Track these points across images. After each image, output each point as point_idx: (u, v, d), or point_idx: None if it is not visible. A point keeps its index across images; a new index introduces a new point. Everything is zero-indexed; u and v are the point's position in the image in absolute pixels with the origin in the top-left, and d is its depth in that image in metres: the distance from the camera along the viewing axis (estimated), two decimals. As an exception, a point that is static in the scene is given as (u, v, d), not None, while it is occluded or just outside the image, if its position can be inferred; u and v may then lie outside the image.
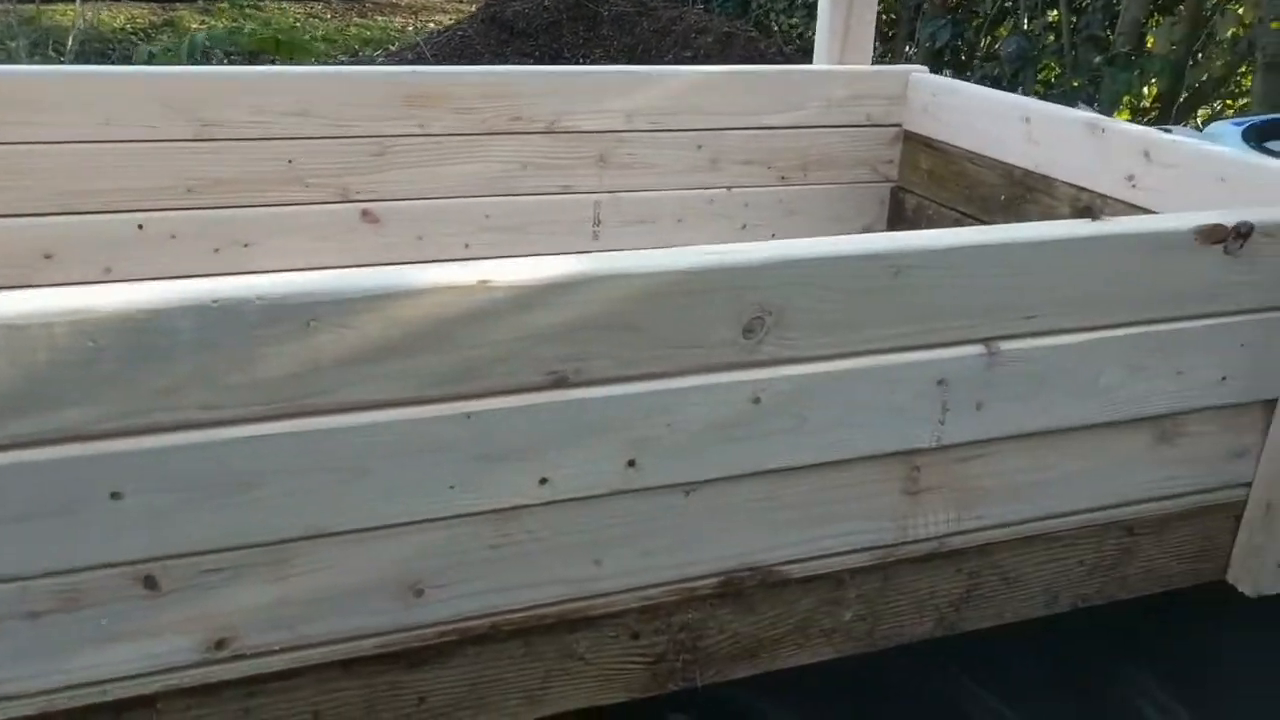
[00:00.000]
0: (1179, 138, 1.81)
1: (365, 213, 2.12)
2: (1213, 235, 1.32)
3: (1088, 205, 1.96)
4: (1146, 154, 1.83)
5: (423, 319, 1.02)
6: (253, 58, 6.95)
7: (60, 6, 7.58)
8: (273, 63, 6.84)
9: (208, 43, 5.88)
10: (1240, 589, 1.53)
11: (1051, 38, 5.97)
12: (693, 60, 6.52)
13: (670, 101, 2.25)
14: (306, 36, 9.61)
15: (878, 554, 1.32)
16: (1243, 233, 1.34)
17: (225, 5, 9.67)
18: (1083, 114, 1.97)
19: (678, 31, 6.81)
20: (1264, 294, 1.38)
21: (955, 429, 1.28)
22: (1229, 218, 1.33)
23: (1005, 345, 1.27)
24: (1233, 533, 1.52)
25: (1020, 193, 2.12)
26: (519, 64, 6.71)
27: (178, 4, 9.79)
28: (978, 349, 1.26)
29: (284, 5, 10.18)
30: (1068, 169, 2.00)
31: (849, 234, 2.47)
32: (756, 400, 1.17)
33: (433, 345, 1.03)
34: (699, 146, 2.31)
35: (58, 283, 1.96)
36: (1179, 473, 1.45)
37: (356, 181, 2.10)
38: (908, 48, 6.10)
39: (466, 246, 2.20)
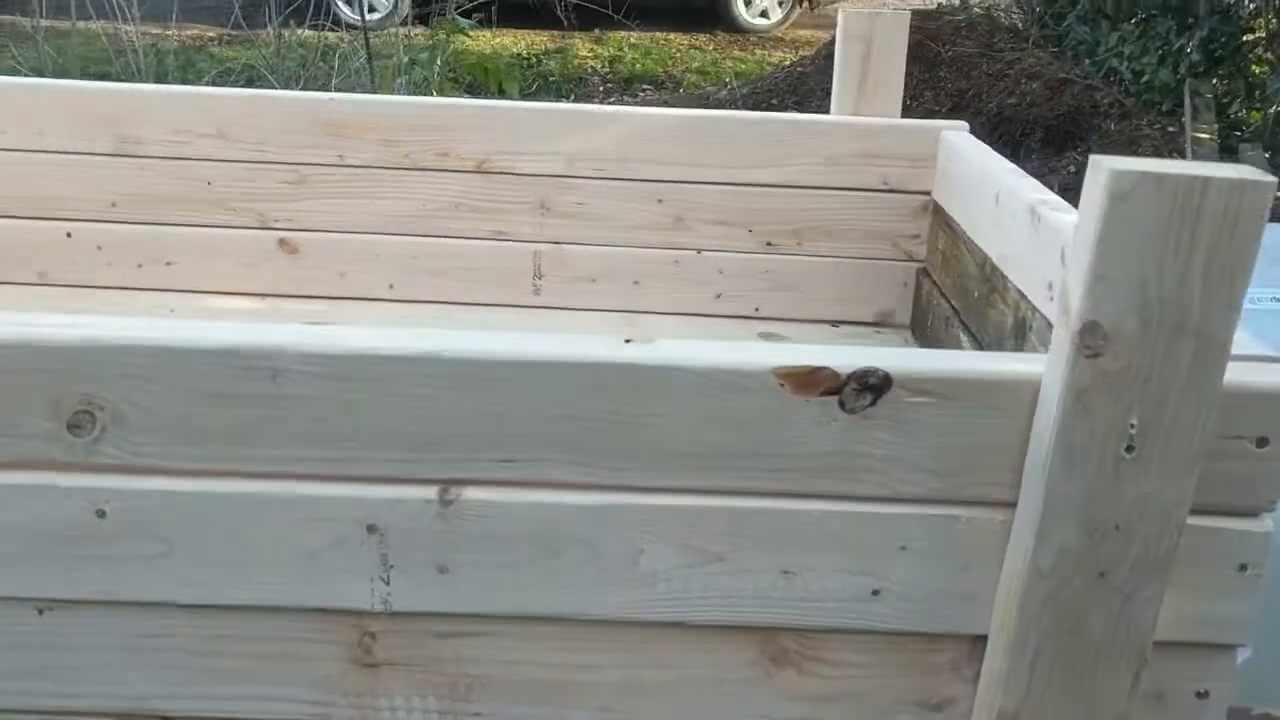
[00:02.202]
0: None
1: (283, 241, 2.04)
2: (810, 382, 0.90)
3: (1022, 319, 1.46)
4: (1063, 255, 1.32)
5: None
6: (471, 89, 6.93)
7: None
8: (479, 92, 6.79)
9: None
10: None
11: None
12: (1015, 108, 5.86)
13: (617, 147, 1.97)
14: (681, 68, 9.81)
15: (313, 734, 1.03)
16: (870, 384, 0.90)
17: (607, 34, 10.13)
18: (1030, 195, 1.47)
19: (1011, 76, 6.16)
20: (935, 480, 0.92)
21: (409, 594, 0.96)
22: (845, 360, 0.90)
23: (471, 493, 0.94)
24: (944, 816, 1.04)
25: (986, 291, 1.63)
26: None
27: (573, 33, 10.37)
28: (427, 492, 0.94)
29: (665, 35, 10.48)
30: (1016, 265, 1.51)
31: (859, 319, 2.06)
32: (101, 514, 0.94)
33: None
34: (659, 200, 2.00)
35: (8, 280, 2.06)
36: (824, 715, 1.01)
37: (274, 208, 2.02)
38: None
39: (391, 287, 2.06)
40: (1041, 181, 3.01)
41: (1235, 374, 0.91)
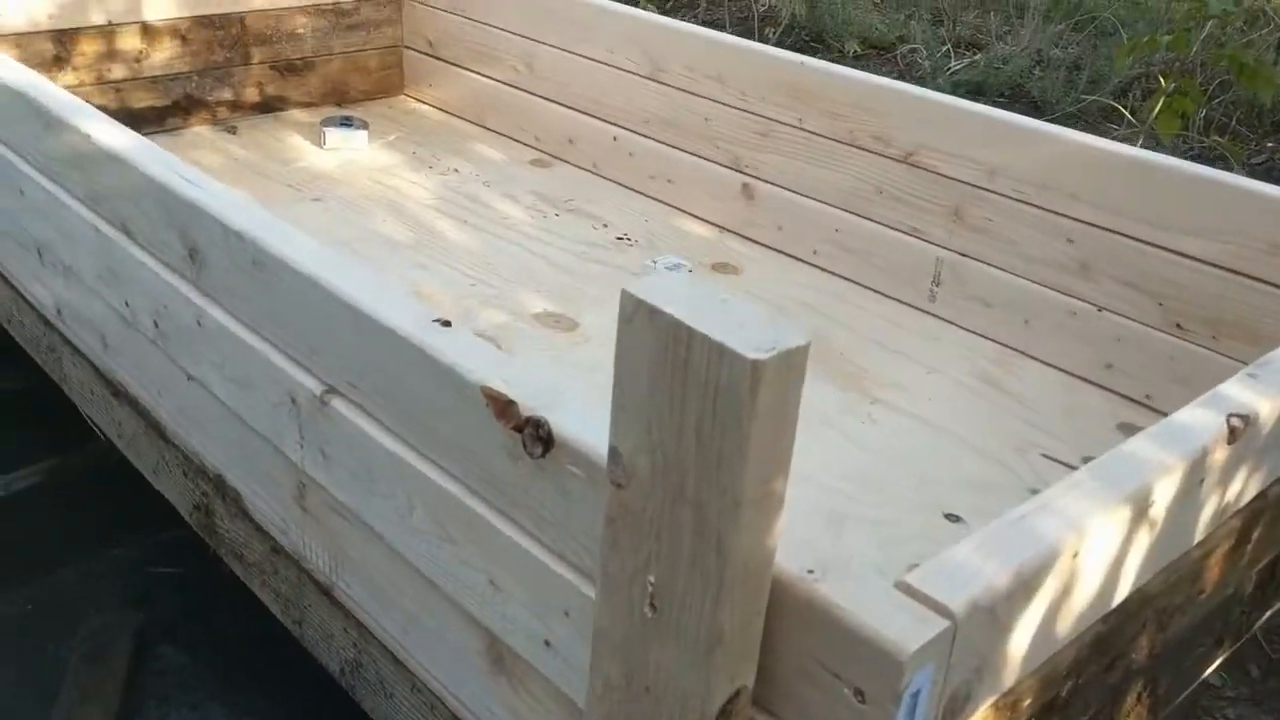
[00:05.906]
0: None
1: (745, 186, 2.21)
2: (505, 411, 0.92)
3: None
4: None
5: None
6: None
7: None
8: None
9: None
10: None
11: None
12: None
13: (1039, 169, 1.76)
14: None
15: (283, 539, 1.30)
16: (540, 435, 0.89)
17: None
18: None
19: None
20: (590, 557, 0.89)
21: (312, 463, 1.19)
22: (533, 401, 0.90)
23: (335, 402, 1.13)
24: None
25: None
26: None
27: None
28: (316, 387, 1.14)
29: None
30: None
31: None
32: (199, 323, 1.31)
33: None
34: (1069, 240, 1.76)
35: (575, 163, 2.54)
36: (525, 728, 1.03)
37: (746, 155, 2.19)
38: None
39: (815, 253, 2.12)
40: None
41: (860, 612, 0.72)
